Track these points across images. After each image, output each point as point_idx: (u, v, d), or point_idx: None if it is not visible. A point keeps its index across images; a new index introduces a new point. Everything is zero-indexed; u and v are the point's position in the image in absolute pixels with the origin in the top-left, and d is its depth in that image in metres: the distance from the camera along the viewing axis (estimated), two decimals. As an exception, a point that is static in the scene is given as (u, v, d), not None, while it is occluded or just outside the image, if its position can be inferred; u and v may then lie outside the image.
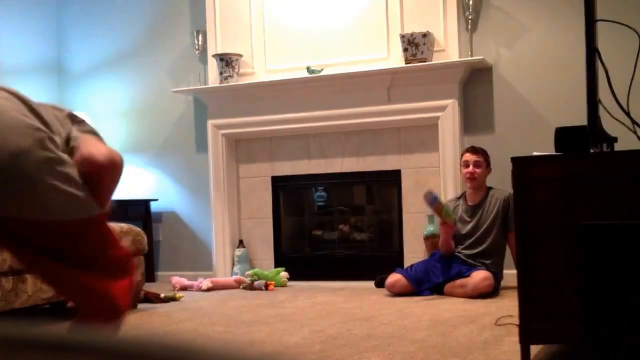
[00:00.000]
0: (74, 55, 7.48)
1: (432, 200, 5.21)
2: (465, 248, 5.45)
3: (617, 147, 3.04)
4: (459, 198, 5.64)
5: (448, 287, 5.30)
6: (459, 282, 5.25)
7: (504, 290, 5.31)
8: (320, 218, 6.92)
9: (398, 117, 6.14)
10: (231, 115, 6.66)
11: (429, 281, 5.37)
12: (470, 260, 5.37)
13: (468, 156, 5.49)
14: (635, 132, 3.00)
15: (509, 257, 5.37)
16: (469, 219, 5.47)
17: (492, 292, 5.21)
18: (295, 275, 6.37)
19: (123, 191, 7.14)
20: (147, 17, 7.24)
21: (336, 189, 6.79)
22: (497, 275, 5.34)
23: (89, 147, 2.37)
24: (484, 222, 5.43)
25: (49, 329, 0.41)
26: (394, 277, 5.45)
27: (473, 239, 5.43)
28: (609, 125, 3.06)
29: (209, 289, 6.08)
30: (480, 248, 5.41)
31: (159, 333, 4.07)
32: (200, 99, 6.89)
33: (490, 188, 5.52)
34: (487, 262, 5.36)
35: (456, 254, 5.45)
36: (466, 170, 5.46)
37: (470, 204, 5.53)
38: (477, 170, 5.43)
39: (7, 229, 2.29)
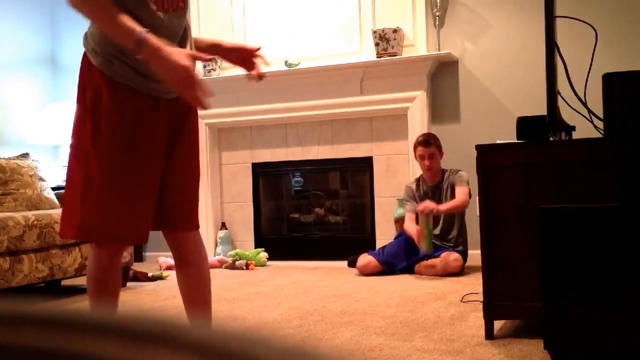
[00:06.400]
0: (67, 48, 7.39)
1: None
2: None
3: (575, 135, 3.05)
4: (417, 180, 5.63)
5: (418, 267, 5.28)
6: (429, 262, 5.22)
7: (468, 268, 5.32)
8: (298, 202, 6.90)
9: (370, 108, 6.13)
10: (214, 105, 6.46)
11: (399, 263, 5.36)
12: (436, 242, 5.37)
13: (421, 150, 5.44)
14: (591, 121, 3.01)
15: (473, 236, 5.39)
16: (431, 198, 5.49)
17: (459, 271, 5.23)
18: (274, 255, 6.35)
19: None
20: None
21: (312, 175, 6.77)
22: (465, 256, 5.35)
23: None
24: (444, 200, 5.44)
25: (45, 305, 0.40)
26: (366, 259, 5.41)
27: (437, 220, 5.44)
28: (568, 115, 3.06)
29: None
30: (444, 228, 5.43)
31: (148, 309, 4.06)
32: (184, 90, 6.82)
33: (444, 170, 5.54)
34: (452, 242, 5.38)
35: None
36: (423, 162, 5.45)
37: (430, 184, 5.53)
38: (433, 162, 5.44)
39: None
